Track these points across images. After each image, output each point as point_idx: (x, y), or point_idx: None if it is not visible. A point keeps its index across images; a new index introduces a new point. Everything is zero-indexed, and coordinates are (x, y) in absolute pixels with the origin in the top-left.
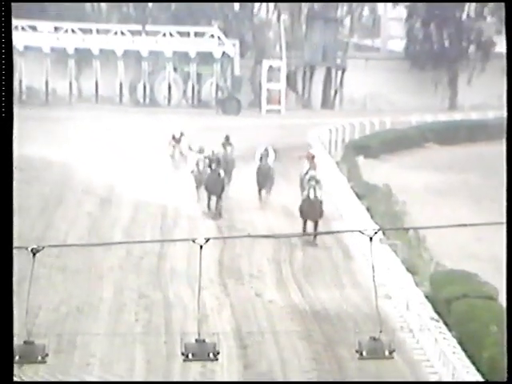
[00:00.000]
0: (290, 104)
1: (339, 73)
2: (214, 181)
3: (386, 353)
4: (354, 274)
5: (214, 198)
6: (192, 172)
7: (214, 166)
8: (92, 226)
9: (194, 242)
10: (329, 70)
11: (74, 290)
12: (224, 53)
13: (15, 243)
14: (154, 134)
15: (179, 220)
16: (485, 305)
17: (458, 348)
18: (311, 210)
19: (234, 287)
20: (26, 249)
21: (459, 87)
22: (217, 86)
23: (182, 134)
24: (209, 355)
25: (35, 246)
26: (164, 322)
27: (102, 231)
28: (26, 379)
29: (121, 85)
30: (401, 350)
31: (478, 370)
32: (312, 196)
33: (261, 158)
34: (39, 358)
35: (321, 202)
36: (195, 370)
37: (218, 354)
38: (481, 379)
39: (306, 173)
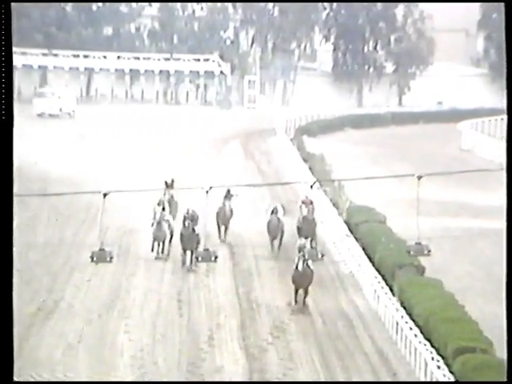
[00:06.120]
0: (262, 103)
1: (291, 84)
2: (188, 236)
3: (319, 256)
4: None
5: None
6: (152, 225)
7: (187, 222)
8: None
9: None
10: (285, 83)
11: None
12: (221, 71)
13: None
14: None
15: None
16: (378, 226)
17: (362, 252)
18: (300, 281)
19: None
20: (99, 193)
21: (364, 93)
22: (216, 92)
23: (172, 181)
24: (211, 258)
25: (106, 192)
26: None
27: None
28: (99, 274)
29: (157, 92)
30: (328, 254)
31: (373, 265)
32: (300, 268)
33: (272, 212)
34: (108, 258)
35: (311, 271)
36: (203, 268)
37: (217, 257)
38: (374, 271)
39: (304, 218)
